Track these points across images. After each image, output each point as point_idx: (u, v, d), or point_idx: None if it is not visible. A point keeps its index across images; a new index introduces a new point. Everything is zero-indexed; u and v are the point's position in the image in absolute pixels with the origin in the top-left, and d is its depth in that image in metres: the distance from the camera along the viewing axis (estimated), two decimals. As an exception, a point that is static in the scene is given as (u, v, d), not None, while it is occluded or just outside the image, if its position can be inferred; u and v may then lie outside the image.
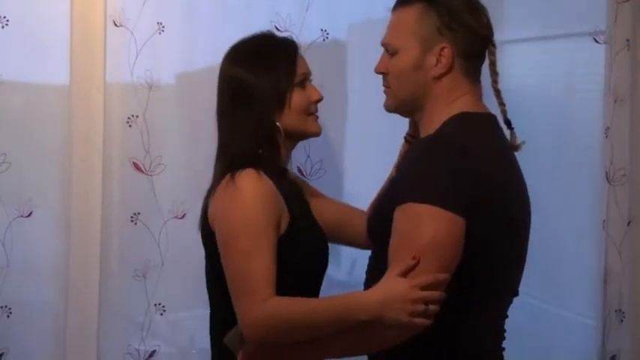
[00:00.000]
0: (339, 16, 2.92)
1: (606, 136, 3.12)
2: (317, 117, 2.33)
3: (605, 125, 3.13)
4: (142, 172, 2.80)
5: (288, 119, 2.24)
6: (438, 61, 2.14)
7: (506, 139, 2.22)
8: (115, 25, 2.71)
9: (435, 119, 2.16)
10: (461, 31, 2.14)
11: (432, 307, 1.94)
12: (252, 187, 2.11)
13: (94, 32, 2.68)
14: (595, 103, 3.12)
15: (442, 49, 2.13)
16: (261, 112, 2.22)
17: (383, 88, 2.26)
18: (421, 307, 1.92)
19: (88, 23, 2.67)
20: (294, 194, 2.31)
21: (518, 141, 2.25)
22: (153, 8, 2.75)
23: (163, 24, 2.77)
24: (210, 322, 2.33)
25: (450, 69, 2.15)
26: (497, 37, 3.00)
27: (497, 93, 2.25)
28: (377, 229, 2.18)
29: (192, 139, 2.84)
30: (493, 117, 2.21)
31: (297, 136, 2.31)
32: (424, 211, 1.97)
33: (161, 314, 2.87)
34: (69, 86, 2.70)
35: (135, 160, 2.79)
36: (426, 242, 1.96)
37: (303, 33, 2.82)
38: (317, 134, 2.34)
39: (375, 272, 2.09)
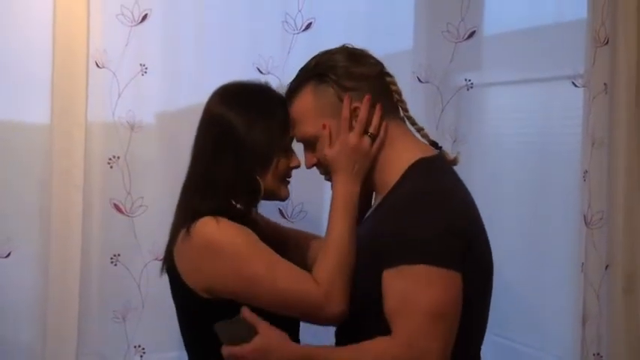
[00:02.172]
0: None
1: (584, 180, 3.14)
2: (289, 182, 2.29)
3: (583, 169, 3.16)
4: (123, 213, 2.79)
5: (267, 181, 2.19)
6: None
7: (459, 177, 2.20)
8: (98, 66, 2.73)
9: (393, 166, 2.14)
10: (361, 83, 2.14)
11: None
12: (217, 230, 2.07)
13: (76, 72, 2.69)
14: (574, 147, 3.14)
15: (355, 109, 2.13)
16: (246, 165, 2.16)
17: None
18: None
19: (70, 63, 2.69)
20: (266, 236, 2.23)
21: (452, 155, 2.26)
22: (135, 49, 2.76)
23: (146, 65, 2.78)
24: None
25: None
26: (477, 80, 3.06)
27: (412, 120, 2.24)
28: (354, 292, 2.11)
29: (174, 180, 2.80)
30: (440, 155, 2.21)
31: (265, 197, 2.23)
32: (422, 272, 1.96)
33: (141, 356, 2.85)
34: (50, 125, 2.69)
35: (115, 202, 2.79)
36: (430, 306, 1.95)
37: (285, 75, 2.81)
38: (285, 199, 2.30)
39: (351, 333, 2.09)
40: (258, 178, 2.17)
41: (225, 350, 2.02)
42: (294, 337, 2.21)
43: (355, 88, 2.14)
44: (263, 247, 2.10)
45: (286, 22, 2.89)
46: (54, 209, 2.70)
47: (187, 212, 2.16)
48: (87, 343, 2.79)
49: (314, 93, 2.16)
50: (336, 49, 2.23)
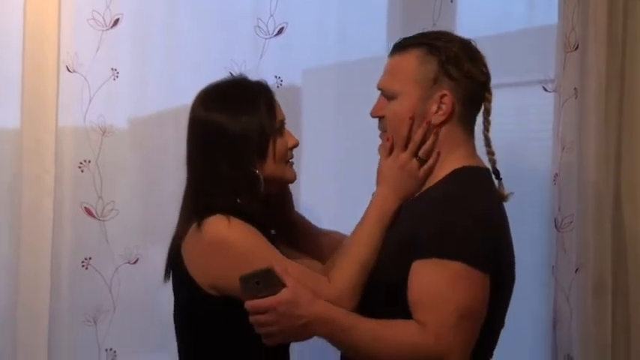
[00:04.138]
0: (293, 62, 2.94)
1: (555, 183, 3.17)
2: (292, 163, 2.29)
3: (553, 172, 3.18)
4: (94, 217, 2.78)
5: (267, 167, 2.19)
6: (438, 108, 2.14)
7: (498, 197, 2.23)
8: (69, 70, 2.71)
9: (436, 170, 2.16)
10: (461, 78, 2.13)
11: None
12: (227, 228, 2.08)
13: (47, 76, 2.67)
14: (544, 151, 3.17)
15: (443, 96, 2.13)
16: (241, 160, 2.16)
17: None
18: None
19: (40, 67, 2.66)
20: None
21: (506, 192, 2.26)
22: (107, 54, 2.74)
23: (117, 70, 2.76)
24: None
25: (449, 117, 2.14)
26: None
27: (488, 141, 2.25)
28: (381, 289, 2.12)
29: (146, 183, 2.83)
30: (489, 171, 2.23)
31: (273, 184, 2.24)
32: (456, 269, 1.98)
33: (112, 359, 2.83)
34: (20, 130, 2.67)
35: (86, 205, 2.77)
36: (460, 303, 1.97)
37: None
38: (293, 180, 2.30)
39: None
40: (255, 170, 2.17)
41: (250, 303, 1.97)
42: (286, 351, 2.25)
43: (455, 79, 2.13)
44: (272, 248, 2.12)
45: (258, 26, 2.88)
46: (24, 213, 2.68)
47: (196, 209, 2.16)
48: (58, 347, 2.77)
49: (419, 58, 2.14)
50: (461, 37, 2.22)
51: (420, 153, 2.16)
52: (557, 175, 3.17)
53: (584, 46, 3.12)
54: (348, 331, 1.99)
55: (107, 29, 2.74)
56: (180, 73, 2.82)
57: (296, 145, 2.28)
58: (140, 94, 2.83)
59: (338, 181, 3.04)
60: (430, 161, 2.17)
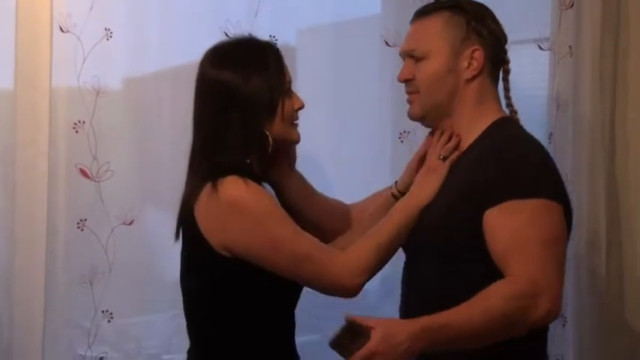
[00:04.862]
0: (288, 21, 2.92)
1: (550, 142, 3.16)
2: (297, 124, 2.29)
3: (548, 131, 3.18)
4: (89, 178, 2.77)
5: (276, 127, 2.18)
6: (469, 63, 2.20)
7: None
8: (62, 30, 2.69)
9: (474, 124, 2.22)
10: (487, 36, 2.22)
11: None
12: (245, 191, 2.07)
13: (40, 37, 2.65)
14: (540, 109, 3.17)
15: (474, 51, 2.20)
16: (251, 119, 2.15)
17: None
18: None
19: (33, 28, 2.65)
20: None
21: None
22: (100, 14, 2.72)
23: (111, 30, 2.74)
24: (190, 322, 2.26)
25: (481, 71, 2.21)
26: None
27: (509, 101, 2.32)
28: (447, 241, 2.15)
29: (141, 144, 2.82)
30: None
31: (280, 145, 2.23)
32: (535, 205, 2.04)
33: (108, 321, 2.83)
34: (14, 91, 2.66)
35: (81, 166, 2.76)
36: (547, 236, 2.03)
37: (253, 40, 2.81)
38: (298, 141, 2.30)
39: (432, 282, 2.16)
40: (265, 131, 2.17)
41: (355, 358, 1.96)
42: (293, 308, 2.24)
43: (483, 36, 2.21)
44: (287, 216, 2.13)
45: (253, -15, 2.87)
46: (18, 175, 2.68)
47: (207, 169, 2.15)
48: (54, 308, 2.77)
49: (447, 20, 2.22)
50: (477, 1, 2.30)
51: (443, 152, 2.24)
52: (552, 134, 3.17)
53: (579, 4, 3.10)
54: (446, 328, 1.98)
55: (100, -12, 2.72)
56: (174, 32, 2.81)
57: (302, 107, 2.28)
58: (134, 54, 2.82)
59: (331, 141, 3.04)
60: (453, 155, 2.23)
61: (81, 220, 2.79)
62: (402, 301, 2.33)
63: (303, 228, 2.15)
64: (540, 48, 3.15)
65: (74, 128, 2.75)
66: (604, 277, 3.16)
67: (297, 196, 2.39)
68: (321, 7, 2.99)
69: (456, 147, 2.23)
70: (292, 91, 2.26)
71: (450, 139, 2.24)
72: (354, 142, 3.04)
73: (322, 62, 3.03)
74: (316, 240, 2.14)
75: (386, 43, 3.00)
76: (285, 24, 2.91)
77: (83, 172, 2.77)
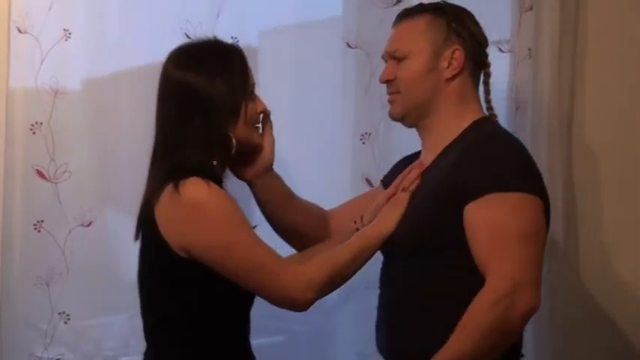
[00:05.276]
0: (249, 23, 2.90)
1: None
2: (259, 127, 2.30)
3: (508, 132, 3.20)
4: (47, 179, 2.75)
5: (239, 130, 2.19)
6: (449, 63, 2.26)
7: None
8: (19, 31, 2.67)
9: (453, 123, 2.26)
10: (468, 37, 2.28)
11: None
12: (207, 193, 2.06)
13: (-3, 38, 2.63)
14: (499, 111, 3.17)
15: (454, 51, 2.26)
16: (215, 121, 2.15)
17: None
18: None
19: (-10, 29, 2.62)
20: None
21: None
22: (59, 14, 2.70)
23: (70, 30, 2.72)
24: (147, 325, 2.25)
25: (461, 71, 2.26)
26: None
27: (490, 104, 2.36)
28: (423, 239, 2.18)
29: (99, 145, 2.80)
30: None
31: (244, 147, 2.24)
32: (516, 198, 2.07)
33: (65, 322, 2.81)
34: (-30, 91, 2.63)
35: (39, 168, 2.74)
36: (527, 229, 2.05)
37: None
38: (262, 146, 2.32)
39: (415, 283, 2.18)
40: (229, 133, 2.17)
41: None
42: (249, 310, 2.24)
43: (463, 37, 2.27)
44: (247, 223, 2.13)
45: (214, -14, 2.85)
46: (-25, 175, 2.65)
47: (169, 170, 2.13)
48: (10, 310, 2.75)
49: (428, 21, 2.29)
50: (463, 7, 2.37)
51: (406, 183, 2.27)
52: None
53: (539, 6, 3.13)
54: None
55: (59, -11, 2.69)
56: (134, 33, 2.78)
57: (264, 111, 2.30)
58: (93, 55, 2.79)
59: (292, 142, 3.03)
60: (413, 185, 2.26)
61: (38, 222, 2.76)
62: (379, 302, 2.34)
63: (279, 230, 2.16)
64: (500, 50, 3.16)
65: (31, 129, 2.72)
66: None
67: (273, 198, 2.40)
68: (282, 8, 2.97)
69: (418, 177, 2.26)
70: (255, 95, 2.26)
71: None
72: (315, 144, 3.04)
73: (284, 63, 3.03)
74: (272, 250, 2.13)
75: (347, 44, 2.99)
76: (246, 25, 2.89)
77: (40, 174, 2.74)
